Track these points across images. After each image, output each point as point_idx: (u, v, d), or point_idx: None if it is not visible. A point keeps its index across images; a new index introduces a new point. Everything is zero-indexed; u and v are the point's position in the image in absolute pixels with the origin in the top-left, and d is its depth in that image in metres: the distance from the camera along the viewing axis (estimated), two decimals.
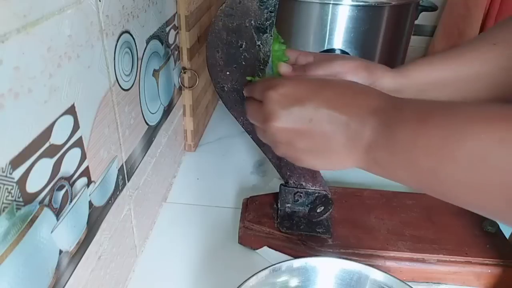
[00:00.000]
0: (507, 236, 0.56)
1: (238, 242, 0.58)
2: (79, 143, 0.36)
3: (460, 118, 0.30)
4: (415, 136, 0.31)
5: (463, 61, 0.46)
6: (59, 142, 0.33)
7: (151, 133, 0.56)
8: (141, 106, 0.51)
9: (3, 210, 0.27)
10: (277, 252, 0.55)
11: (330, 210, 0.55)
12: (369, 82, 0.45)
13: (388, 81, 0.46)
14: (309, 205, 0.58)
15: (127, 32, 0.45)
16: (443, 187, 0.31)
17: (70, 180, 0.35)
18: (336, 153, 0.37)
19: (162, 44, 0.58)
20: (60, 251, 0.34)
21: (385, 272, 0.41)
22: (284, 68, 0.47)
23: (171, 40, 0.62)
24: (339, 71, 0.45)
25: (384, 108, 0.35)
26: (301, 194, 0.57)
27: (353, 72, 0.45)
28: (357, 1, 0.72)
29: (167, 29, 0.60)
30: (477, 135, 0.28)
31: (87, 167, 0.38)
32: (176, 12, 0.63)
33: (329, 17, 0.73)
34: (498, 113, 0.29)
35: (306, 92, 0.38)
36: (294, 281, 0.42)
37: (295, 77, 0.42)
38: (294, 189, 0.57)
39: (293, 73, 0.47)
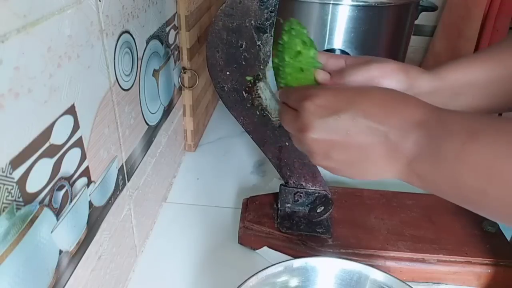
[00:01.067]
0: (507, 236, 0.56)
1: (238, 242, 0.58)
2: (79, 143, 0.36)
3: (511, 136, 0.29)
4: (463, 152, 0.30)
5: (497, 62, 0.45)
6: (59, 142, 0.33)
7: (151, 133, 0.56)
8: (141, 106, 0.51)
9: (3, 210, 0.27)
10: (277, 252, 0.55)
11: (330, 210, 0.55)
12: (407, 84, 0.44)
13: (424, 83, 0.45)
14: (309, 205, 0.58)
15: (127, 32, 0.45)
16: (491, 207, 0.30)
17: (70, 180, 0.35)
18: (375, 165, 0.36)
19: (162, 44, 0.58)
20: (60, 251, 0.34)
21: (385, 272, 0.41)
22: (322, 76, 0.45)
23: (171, 40, 0.62)
24: (376, 75, 0.44)
25: (428, 120, 0.33)
26: (301, 194, 0.57)
27: (391, 75, 0.44)
28: (357, 1, 0.72)
29: (167, 29, 0.60)
30: None
31: (87, 167, 0.38)
32: (176, 12, 0.63)
33: (329, 17, 0.73)
34: None
35: (343, 102, 0.37)
36: (294, 281, 0.42)
37: (331, 87, 0.40)
38: (294, 189, 0.57)
39: (331, 81, 0.45)
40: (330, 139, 0.37)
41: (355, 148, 0.36)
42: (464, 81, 0.45)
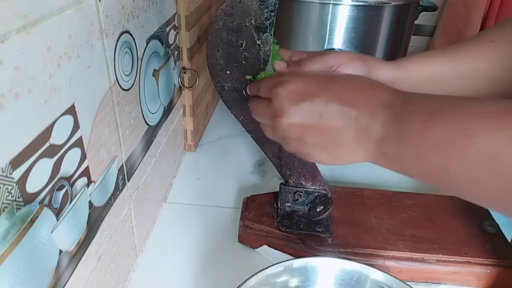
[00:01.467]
0: (508, 237, 0.56)
1: (238, 241, 0.58)
2: (79, 143, 0.36)
3: (471, 114, 0.30)
4: (425, 130, 0.31)
5: (460, 57, 0.46)
6: (59, 142, 0.33)
7: (151, 133, 0.56)
8: (141, 106, 0.51)
9: (3, 210, 0.27)
10: (277, 251, 0.55)
11: (330, 210, 0.55)
12: (364, 73, 0.46)
13: (384, 72, 0.46)
14: (309, 204, 0.58)
15: (127, 32, 0.45)
16: (453, 182, 0.31)
17: (70, 180, 0.35)
18: (346, 148, 0.37)
19: (162, 44, 0.58)
20: (60, 251, 0.34)
21: (385, 272, 0.41)
22: (278, 65, 0.48)
23: (171, 40, 0.62)
24: (333, 63, 0.46)
25: (394, 102, 0.35)
26: (301, 193, 0.57)
27: (347, 64, 0.46)
28: (357, 1, 0.72)
29: (167, 29, 0.60)
30: (488, 133, 0.28)
31: (87, 167, 0.38)
32: (176, 12, 0.63)
33: (329, 17, 0.73)
34: (510, 110, 0.28)
35: (315, 87, 0.38)
36: (294, 281, 0.42)
37: (303, 73, 0.42)
38: (294, 188, 0.57)
39: (287, 69, 0.48)
40: (304, 123, 0.38)
41: (328, 132, 0.37)
42: (426, 74, 0.47)
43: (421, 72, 0.47)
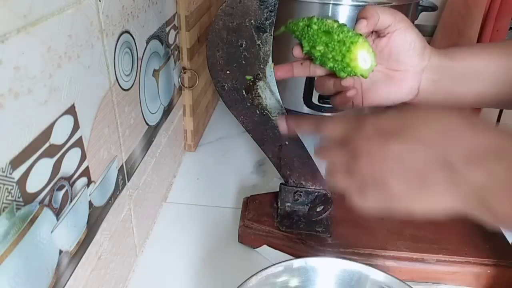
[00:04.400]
0: (507, 237, 0.56)
1: (238, 241, 0.58)
2: (79, 143, 0.36)
3: None
4: None
5: (505, 53, 0.45)
6: (59, 142, 0.33)
7: (151, 133, 0.56)
8: (141, 106, 0.51)
9: (3, 210, 0.27)
10: (277, 251, 0.55)
11: (330, 209, 0.55)
12: (422, 45, 0.44)
13: (434, 58, 0.45)
14: (309, 204, 0.58)
15: (127, 32, 0.45)
16: None
17: (70, 180, 0.35)
18: (435, 195, 0.32)
19: (162, 44, 0.58)
20: (60, 251, 0.34)
21: (385, 272, 0.41)
22: (362, 24, 0.42)
23: (171, 40, 0.62)
24: (401, 19, 0.44)
25: (504, 147, 0.30)
26: (301, 193, 0.57)
27: (413, 30, 0.44)
28: (357, 1, 0.72)
29: (167, 29, 0.60)
30: None
31: (87, 167, 0.38)
32: (176, 12, 0.63)
33: (329, 17, 0.73)
34: None
35: (399, 127, 0.33)
36: (294, 281, 0.42)
37: (379, 115, 0.35)
38: (294, 188, 0.57)
39: (368, 25, 0.42)
40: (386, 166, 0.33)
41: (413, 176, 0.32)
42: (471, 66, 0.45)
43: (467, 63, 0.45)
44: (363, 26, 0.42)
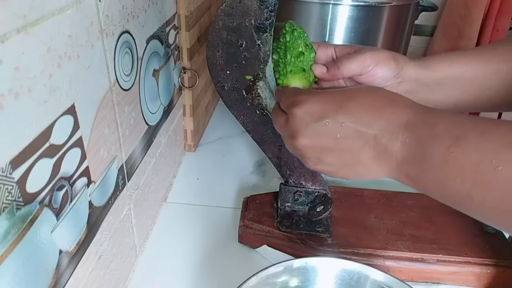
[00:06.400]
0: (507, 237, 0.56)
1: (238, 241, 0.58)
2: (79, 143, 0.36)
3: (498, 141, 0.29)
4: (448, 156, 0.30)
5: (484, 58, 0.46)
6: (59, 142, 0.33)
7: (151, 133, 0.56)
8: (141, 106, 0.51)
9: (3, 210, 0.27)
10: (277, 251, 0.55)
11: (330, 209, 0.55)
12: (396, 71, 0.45)
13: (410, 70, 0.46)
14: (309, 204, 0.58)
15: (127, 32, 0.45)
16: (476, 210, 0.31)
17: (70, 180, 0.35)
18: (366, 167, 0.37)
19: (162, 44, 0.58)
20: (60, 251, 0.34)
21: (385, 272, 0.41)
22: (319, 69, 0.46)
23: (171, 40, 0.62)
24: (370, 62, 0.45)
25: (415, 122, 0.34)
26: (301, 193, 0.57)
27: (383, 63, 0.45)
28: (357, 1, 0.72)
29: (167, 29, 0.60)
30: None
31: (87, 167, 0.38)
32: (176, 12, 0.63)
33: (329, 17, 0.73)
34: None
35: (332, 107, 0.37)
36: (294, 281, 0.42)
37: (319, 92, 0.41)
38: (294, 188, 0.57)
39: (329, 74, 0.46)
40: (320, 144, 0.38)
41: (346, 152, 0.37)
42: (448, 73, 0.46)
43: (444, 71, 0.46)
44: (319, 71, 0.47)
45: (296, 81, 0.46)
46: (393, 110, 0.36)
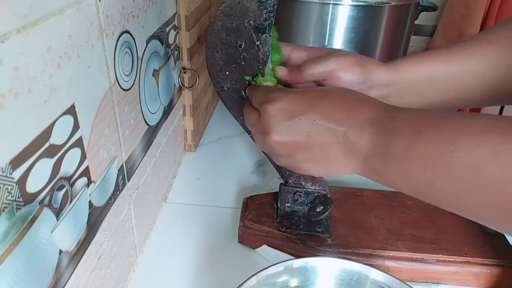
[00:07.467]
0: (507, 237, 0.56)
1: (238, 241, 0.58)
2: (79, 143, 0.36)
3: (454, 130, 0.31)
4: (410, 147, 0.32)
5: (456, 58, 0.46)
6: (59, 142, 0.33)
7: (151, 133, 0.57)
8: (141, 106, 0.51)
9: (3, 210, 0.27)
10: (277, 251, 0.55)
11: (330, 210, 0.55)
12: (363, 77, 0.46)
13: (380, 75, 0.47)
14: (309, 205, 0.58)
15: (127, 32, 0.45)
16: (438, 197, 0.32)
17: (70, 180, 0.35)
18: (336, 163, 0.38)
19: (162, 44, 0.58)
20: (60, 251, 0.34)
21: (385, 272, 0.41)
22: (281, 72, 0.48)
23: (171, 40, 0.62)
24: (334, 68, 0.46)
25: (381, 118, 0.35)
26: (301, 194, 0.57)
27: (347, 69, 0.46)
28: (357, 1, 0.72)
29: (167, 29, 0.60)
30: (471, 149, 0.29)
31: (87, 167, 0.38)
32: (176, 12, 0.63)
33: (329, 17, 0.73)
34: (492, 126, 0.29)
35: (303, 105, 0.38)
36: (294, 281, 0.42)
37: (292, 90, 0.42)
38: (294, 188, 0.57)
39: (288, 77, 0.48)
40: (292, 141, 0.39)
41: (316, 148, 0.38)
42: (420, 75, 0.47)
43: (415, 74, 0.47)
44: (281, 73, 0.48)
45: (265, 81, 0.48)
46: (361, 109, 0.37)
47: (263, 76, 0.49)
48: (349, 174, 0.38)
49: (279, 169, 0.56)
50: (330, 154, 0.38)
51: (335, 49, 0.48)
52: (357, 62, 0.46)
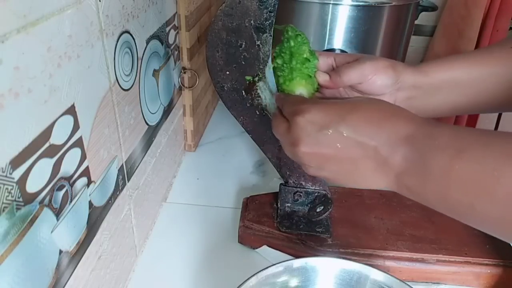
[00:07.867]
0: None
1: (238, 241, 0.58)
2: (79, 143, 0.36)
3: (498, 154, 0.29)
4: (451, 168, 0.31)
5: (480, 62, 0.46)
6: (59, 142, 0.33)
7: (151, 133, 0.56)
8: (141, 106, 0.51)
9: (3, 210, 0.27)
10: (277, 251, 0.55)
11: (330, 210, 0.55)
12: (394, 79, 0.46)
13: (408, 77, 0.46)
14: (309, 205, 0.58)
15: (127, 32, 0.45)
16: (479, 220, 0.31)
17: (70, 180, 0.35)
18: (366, 177, 0.37)
19: (162, 44, 0.58)
20: (60, 251, 0.34)
21: (385, 272, 0.41)
22: (323, 77, 0.47)
23: (171, 40, 0.62)
24: (370, 71, 0.45)
25: (416, 135, 0.34)
26: (301, 194, 0.57)
27: (382, 72, 0.45)
28: (357, 1, 0.72)
29: (167, 29, 0.60)
30: None
31: (87, 167, 0.38)
32: (176, 12, 0.63)
33: (329, 17, 0.73)
34: None
35: (334, 118, 0.38)
36: (294, 281, 0.42)
37: (322, 102, 0.41)
38: (294, 188, 0.57)
39: (330, 82, 0.47)
40: (321, 153, 0.38)
41: (346, 161, 0.38)
42: (445, 78, 0.47)
43: (441, 77, 0.47)
44: (323, 79, 0.47)
45: (301, 87, 0.46)
46: (393, 123, 0.36)
47: (263, 76, 0.49)
48: (380, 188, 0.37)
49: (280, 169, 0.56)
50: (359, 168, 0.37)
51: (362, 54, 0.48)
52: (389, 65, 0.46)
